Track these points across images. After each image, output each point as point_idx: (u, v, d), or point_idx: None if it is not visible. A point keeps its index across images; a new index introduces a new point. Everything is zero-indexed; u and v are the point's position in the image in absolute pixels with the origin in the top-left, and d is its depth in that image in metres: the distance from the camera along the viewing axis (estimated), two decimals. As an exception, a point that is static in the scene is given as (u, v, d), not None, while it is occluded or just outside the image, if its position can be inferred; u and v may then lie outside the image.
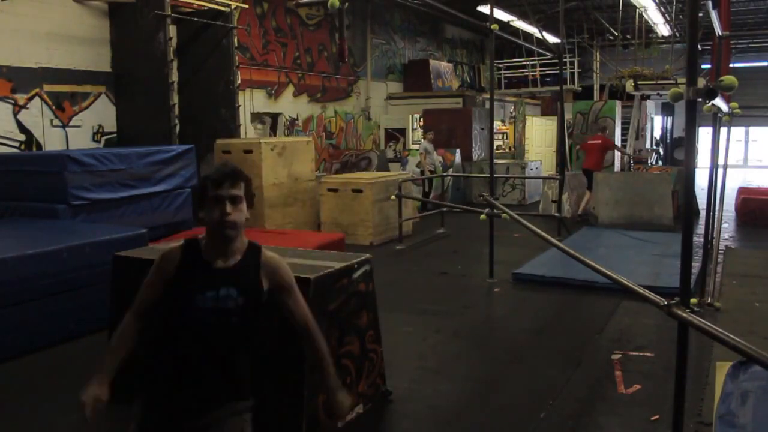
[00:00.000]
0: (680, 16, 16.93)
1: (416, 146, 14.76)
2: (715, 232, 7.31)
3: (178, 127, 9.20)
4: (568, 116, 14.18)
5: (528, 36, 17.91)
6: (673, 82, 12.66)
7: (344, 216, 9.56)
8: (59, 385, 4.39)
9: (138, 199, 7.63)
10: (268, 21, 12.70)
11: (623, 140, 15.02)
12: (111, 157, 7.34)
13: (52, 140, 8.64)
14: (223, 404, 2.24)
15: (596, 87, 20.76)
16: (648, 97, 15.51)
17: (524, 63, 19.28)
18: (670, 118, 24.78)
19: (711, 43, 12.27)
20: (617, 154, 13.72)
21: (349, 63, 15.15)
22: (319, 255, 4.10)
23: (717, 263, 7.29)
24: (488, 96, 10.44)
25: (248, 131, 11.83)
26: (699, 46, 3.13)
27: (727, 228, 10.66)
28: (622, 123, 15.60)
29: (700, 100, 2.90)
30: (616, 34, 17.81)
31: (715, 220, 7.18)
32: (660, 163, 20.04)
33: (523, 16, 16.50)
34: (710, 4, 5.19)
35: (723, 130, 7.08)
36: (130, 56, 9.23)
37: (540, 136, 19.93)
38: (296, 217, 9.65)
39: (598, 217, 10.99)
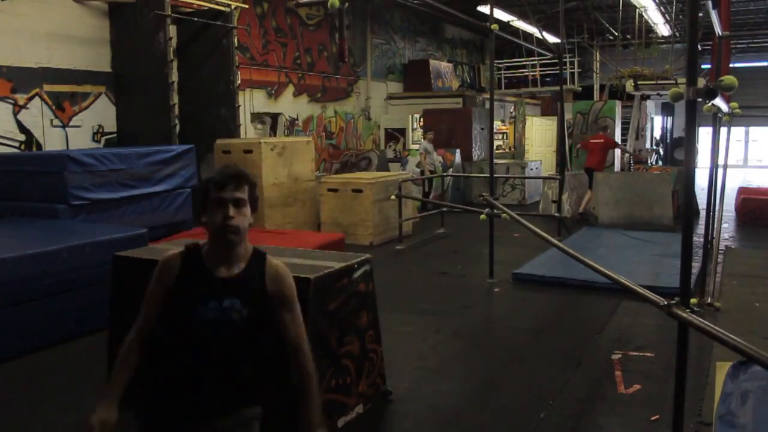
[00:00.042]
0: (680, 16, 16.93)
1: (416, 146, 14.76)
2: (715, 232, 7.31)
3: (178, 127, 9.20)
4: (568, 116, 14.19)
5: (528, 36, 17.91)
6: (673, 82, 12.67)
7: (344, 216, 9.56)
8: (59, 385, 4.40)
9: (138, 199, 7.63)
10: (268, 21, 12.70)
11: (623, 140, 15.04)
12: (111, 157, 7.34)
13: (52, 140, 8.65)
14: (229, 413, 2.15)
15: (596, 87, 20.76)
16: (648, 97, 15.52)
17: (524, 63, 19.28)
18: (670, 118, 24.79)
19: (711, 43, 12.27)
20: (617, 154, 13.72)
21: (349, 63, 15.15)
22: (319, 255, 4.10)
23: (717, 263, 7.29)
24: (488, 96, 10.44)
25: (248, 131, 11.83)
26: (699, 46, 3.13)
27: (727, 228, 10.65)
28: (622, 123, 15.61)
29: (700, 100, 2.90)
30: (616, 34, 17.81)
31: (715, 220, 7.18)
32: (660, 163, 20.05)
33: (523, 16, 16.50)
34: (710, 4, 5.18)
35: (723, 130, 7.08)
36: (130, 56, 9.23)
37: (540, 136, 19.93)
38: (296, 217, 9.65)
39: (598, 217, 10.99)
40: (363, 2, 15.34)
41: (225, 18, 9.80)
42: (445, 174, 13.28)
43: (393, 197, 9.38)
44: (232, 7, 10.01)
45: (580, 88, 19.77)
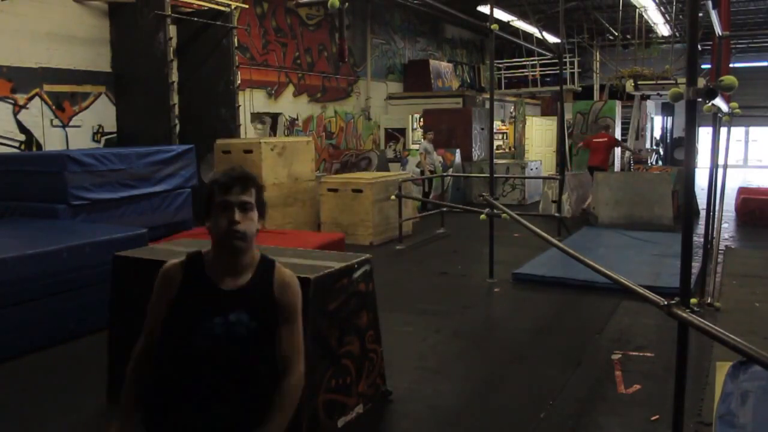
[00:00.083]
0: (680, 16, 16.93)
1: (416, 146, 14.76)
2: (715, 232, 7.31)
3: (178, 127, 9.21)
4: (568, 116, 14.20)
5: (528, 36, 17.91)
6: (673, 82, 12.68)
7: (344, 216, 9.56)
8: (59, 385, 4.40)
9: (138, 199, 7.63)
10: (268, 21, 12.70)
11: (623, 140, 15.04)
12: (111, 157, 7.34)
13: (52, 140, 8.65)
14: None
15: (596, 87, 20.77)
16: (648, 97, 15.52)
17: (524, 63, 19.28)
18: (670, 118, 24.79)
19: (711, 43, 12.27)
20: (617, 153, 13.73)
21: (349, 63, 15.15)
22: (319, 255, 4.10)
23: (717, 263, 7.29)
24: (488, 96, 10.44)
25: (248, 131, 11.83)
26: (699, 46, 3.13)
27: (727, 228, 10.65)
28: (622, 123, 15.61)
29: (700, 100, 2.90)
30: (616, 34, 17.81)
31: (715, 220, 7.17)
32: (660, 163, 20.05)
33: (523, 16, 16.50)
34: (710, 4, 5.18)
35: (723, 130, 7.08)
36: (130, 56, 9.24)
37: (540, 136, 19.93)
38: (296, 217, 9.65)
39: (598, 217, 10.99)
40: (363, 2, 15.34)
41: (225, 18, 9.81)
42: (445, 174, 13.28)
43: (393, 197, 9.38)
44: (232, 7, 10.02)
45: (580, 88, 19.78)
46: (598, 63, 21.10)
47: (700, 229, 7.21)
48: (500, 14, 15.56)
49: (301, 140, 10.35)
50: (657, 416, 3.85)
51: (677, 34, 18.04)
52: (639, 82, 13.64)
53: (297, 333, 2.05)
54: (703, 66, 14.42)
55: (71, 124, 8.91)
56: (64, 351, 5.04)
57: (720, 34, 6.43)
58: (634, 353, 4.97)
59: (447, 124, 15.10)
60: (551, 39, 15.26)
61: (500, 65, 19.33)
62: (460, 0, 14.68)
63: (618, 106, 15.16)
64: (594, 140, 12.32)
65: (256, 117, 12.42)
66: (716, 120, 6.15)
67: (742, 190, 12.66)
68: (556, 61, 12.55)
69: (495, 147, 10.36)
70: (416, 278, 7.57)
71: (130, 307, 3.85)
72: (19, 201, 7.06)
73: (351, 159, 14.20)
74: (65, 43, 8.79)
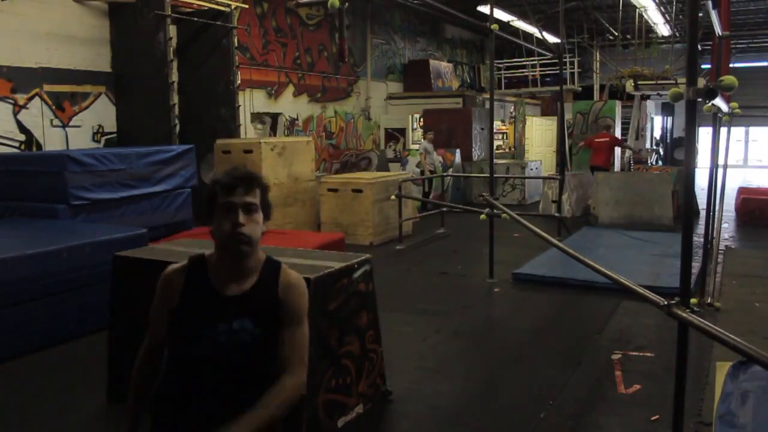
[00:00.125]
0: (680, 16, 16.93)
1: (416, 146, 14.77)
2: (715, 232, 7.31)
3: (178, 127, 9.21)
4: (568, 116, 14.20)
5: (528, 36, 17.91)
6: (673, 82, 12.69)
7: (344, 216, 9.56)
8: (59, 385, 4.40)
9: (138, 199, 7.63)
10: (268, 21, 12.70)
11: (623, 140, 15.04)
12: (111, 157, 7.34)
13: (52, 140, 8.65)
14: None
15: (596, 87, 20.77)
16: (648, 97, 15.53)
17: (524, 63, 19.28)
18: (670, 118, 24.78)
19: (711, 43, 12.26)
20: (617, 153, 13.73)
21: (349, 63, 15.15)
22: (319, 255, 4.10)
23: (717, 263, 7.29)
24: (488, 96, 10.44)
25: (248, 131, 11.83)
26: (699, 46, 3.13)
27: (727, 228, 10.65)
28: (622, 123, 15.62)
29: (700, 100, 2.90)
30: (616, 34, 17.81)
31: (715, 220, 7.17)
32: (660, 163, 20.05)
33: (523, 16, 16.50)
34: (710, 4, 5.18)
35: (723, 130, 7.08)
36: (130, 56, 9.24)
37: (540, 136, 19.93)
38: (296, 217, 9.65)
39: (598, 217, 10.99)
40: (363, 2, 15.34)
41: (225, 18, 9.81)
42: (445, 174, 13.28)
43: (393, 197, 9.38)
44: (232, 7, 10.02)
45: (580, 88, 19.78)
46: (598, 63, 21.10)
47: (700, 229, 7.21)
48: (500, 14, 15.56)
49: (301, 140, 10.35)
50: (657, 416, 3.85)
51: (677, 34, 18.04)
52: (639, 82, 13.65)
53: (300, 336, 1.95)
54: (703, 66, 14.42)
55: (71, 124, 8.91)
56: (64, 351, 5.04)
57: (720, 34, 6.43)
58: (634, 353, 4.97)
59: (447, 124, 15.10)
60: (551, 39, 15.26)
61: (500, 65, 19.32)
62: (460, 0, 14.68)
63: (618, 106, 15.16)
64: (596, 140, 12.34)
65: (256, 117, 12.43)
66: (716, 120, 6.15)
67: (742, 190, 12.66)
68: (556, 61, 12.55)
69: (495, 147, 10.36)
70: (416, 278, 7.57)
71: (130, 307, 3.86)
72: (19, 201, 7.06)
73: (351, 159, 14.21)
74: (65, 43, 8.79)
